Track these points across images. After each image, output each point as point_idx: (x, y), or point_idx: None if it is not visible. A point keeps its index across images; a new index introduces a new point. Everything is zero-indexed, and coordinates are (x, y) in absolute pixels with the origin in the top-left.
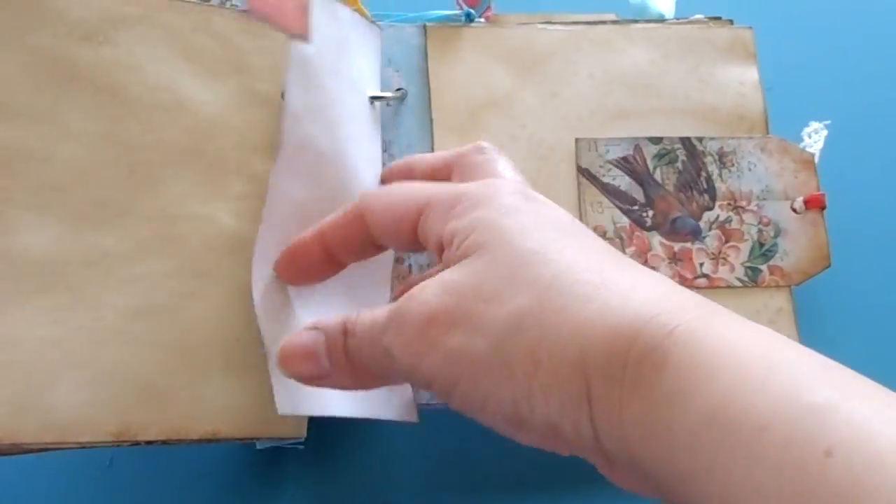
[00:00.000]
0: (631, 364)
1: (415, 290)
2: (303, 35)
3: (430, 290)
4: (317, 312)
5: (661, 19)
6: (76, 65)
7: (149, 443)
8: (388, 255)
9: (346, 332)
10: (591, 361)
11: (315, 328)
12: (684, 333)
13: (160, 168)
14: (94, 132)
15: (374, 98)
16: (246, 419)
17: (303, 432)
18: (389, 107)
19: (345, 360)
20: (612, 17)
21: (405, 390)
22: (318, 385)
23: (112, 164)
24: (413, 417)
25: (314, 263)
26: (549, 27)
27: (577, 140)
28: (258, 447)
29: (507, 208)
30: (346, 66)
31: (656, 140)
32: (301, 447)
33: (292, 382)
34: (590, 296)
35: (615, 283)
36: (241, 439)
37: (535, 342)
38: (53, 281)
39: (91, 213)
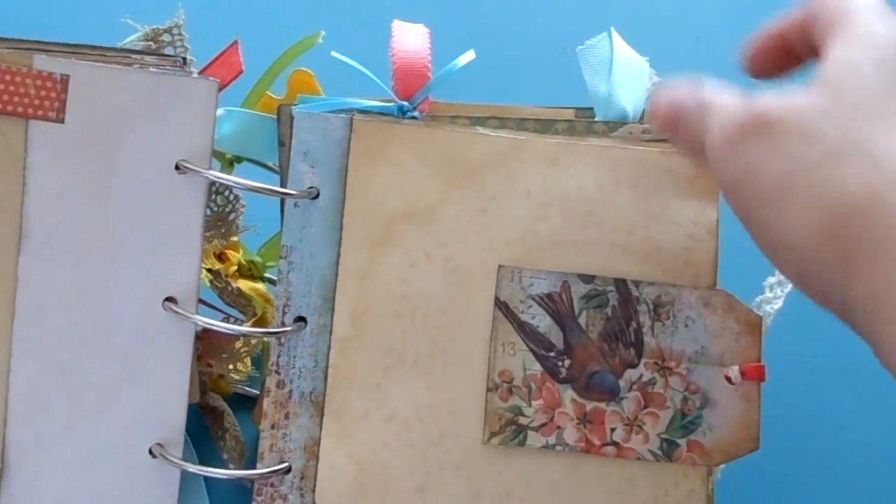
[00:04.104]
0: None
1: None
2: (53, 116)
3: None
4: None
5: (622, 121)
6: None
7: None
8: (189, 332)
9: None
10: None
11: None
12: None
13: None
14: None
15: (190, 167)
16: None
17: None
18: (298, 207)
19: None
20: (570, 113)
21: None
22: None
23: None
24: None
25: (775, 53)
26: (490, 133)
27: (499, 267)
28: None
29: None
30: (131, 136)
31: (588, 278)
32: None
33: None
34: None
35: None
36: None
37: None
38: None
39: None
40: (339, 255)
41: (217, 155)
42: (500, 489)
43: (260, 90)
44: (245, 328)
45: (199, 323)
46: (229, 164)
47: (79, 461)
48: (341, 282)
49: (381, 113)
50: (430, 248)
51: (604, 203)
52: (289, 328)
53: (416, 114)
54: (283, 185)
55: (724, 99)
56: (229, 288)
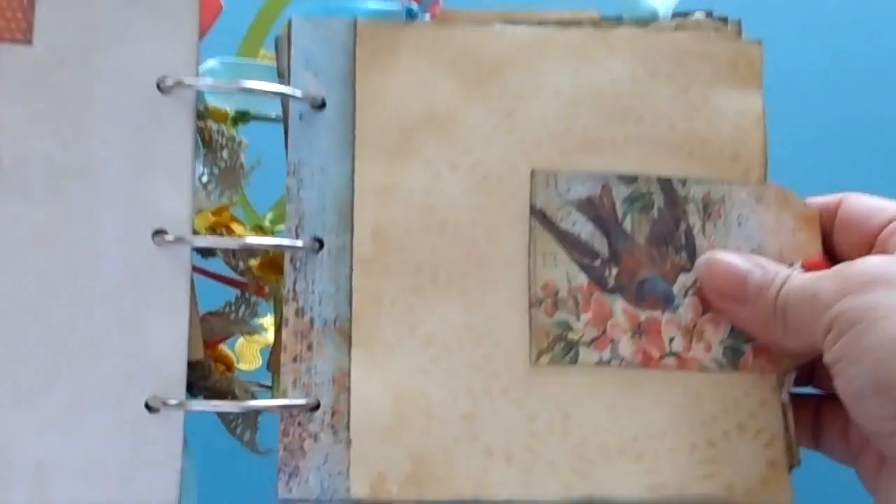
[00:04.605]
0: None
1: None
2: (20, 38)
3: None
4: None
5: (653, 18)
6: None
7: None
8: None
9: (785, 277)
10: None
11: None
12: None
13: None
14: None
15: (175, 82)
16: None
17: None
18: (302, 120)
19: (772, 300)
20: (593, 15)
21: None
22: (729, 313)
23: None
24: None
25: None
26: (510, 28)
27: (532, 172)
28: None
29: None
30: (106, 56)
31: (629, 179)
32: None
33: None
34: None
35: None
36: None
37: None
38: None
39: None
40: (353, 168)
41: (219, 115)
42: (555, 412)
43: (251, 43)
44: (250, 239)
45: (196, 245)
46: (234, 123)
47: (64, 418)
48: (358, 197)
49: (388, 17)
50: (454, 155)
51: (640, 96)
52: (301, 243)
53: (426, 17)
54: (284, 114)
55: None
56: (241, 266)
